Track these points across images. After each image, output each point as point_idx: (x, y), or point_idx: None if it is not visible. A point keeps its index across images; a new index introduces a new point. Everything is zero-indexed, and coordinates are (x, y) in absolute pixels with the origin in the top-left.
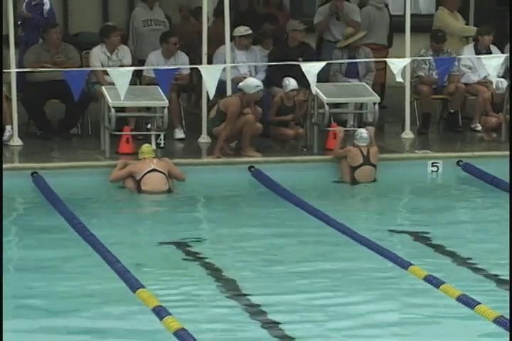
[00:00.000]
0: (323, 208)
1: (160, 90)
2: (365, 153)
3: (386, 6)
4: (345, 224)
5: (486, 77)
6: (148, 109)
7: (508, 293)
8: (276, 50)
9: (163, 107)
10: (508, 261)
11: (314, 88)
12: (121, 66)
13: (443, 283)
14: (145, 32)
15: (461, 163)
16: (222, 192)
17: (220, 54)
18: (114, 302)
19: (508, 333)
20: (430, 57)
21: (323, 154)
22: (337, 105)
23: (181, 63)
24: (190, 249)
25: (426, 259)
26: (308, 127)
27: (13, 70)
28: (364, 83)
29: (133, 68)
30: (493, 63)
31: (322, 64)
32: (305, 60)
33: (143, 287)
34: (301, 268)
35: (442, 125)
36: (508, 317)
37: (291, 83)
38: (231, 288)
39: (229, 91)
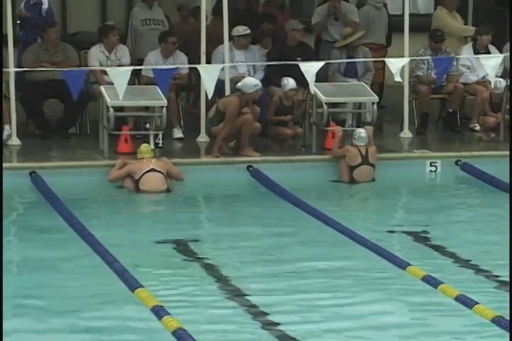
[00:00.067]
0: (322, 208)
1: (158, 90)
2: (364, 153)
3: (385, 5)
4: (344, 224)
5: (484, 76)
6: (146, 108)
7: (507, 292)
8: (275, 49)
9: (162, 107)
10: (507, 261)
11: (313, 87)
12: (119, 65)
13: (441, 283)
14: (143, 31)
15: (459, 163)
16: (221, 192)
17: (218, 53)
18: (114, 302)
19: (506, 333)
20: (429, 57)
21: (321, 154)
22: (335, 105)
23: (180, 63)
24: (188, 248)
25: (424, 259)
26: (306, 127)
27: (12, 70)
28: (363, 83)
29: (131, 68)
30: (491, 63)
31: (321, 63)
32: (304, 60)
33: (141, 286)
34: (299, 268)
35: (441, 125)
36: (507, 317)
37: (289, 83)
38: (231, 288)
39: (227, 91)
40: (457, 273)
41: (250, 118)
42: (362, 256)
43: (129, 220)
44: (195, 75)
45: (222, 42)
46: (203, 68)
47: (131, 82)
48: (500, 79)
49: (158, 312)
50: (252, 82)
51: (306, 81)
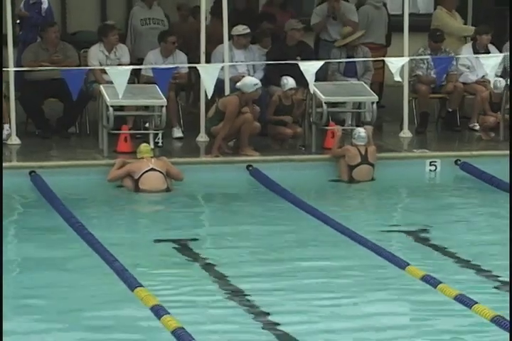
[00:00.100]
0: (322, 207)
1: (158, 89)
2: (363, 152)
3: (384, 5)
4: (343, 224)
5: (484, 76)
6: (146, 107)
7: (507, 292)
8: (275, 49)
9: (162, 106)
10: (507, 261)
11: (312, 87)
12: (119, 65)
13: (440, 282)
14: (143, 31)
15: (459, 162)
16: (221, 191)
17: (218, 53)
18: (114, 301)
19: (506, 332)
20: (428, 57)
21: (321, 153)
22: (335, 104)
23: (179, 62)
24: (188, 247)
25: (424, 259)
26: (306, 126)
27: (11, 69)
28: (362, 82)
29: (131, 67)
30: (491, 63)
31: (320, 63)
32: (303, 59)
33: (141, 286)
34: (299, 268)
35: (440, 124)
36: (506, 316)
37: (289, 82)
38: (230, 288)
39: (227, 91)
40: (457, 273)
41: (250, 118)
42: (361, 256)
43: (128, 220)
44: (194, 75)
45: (221, 41)
46: (202, 68)
47: (130, 82)
48: (500, 79)
49: (158, 311)
50: (251, 81)
51: (306, 80)
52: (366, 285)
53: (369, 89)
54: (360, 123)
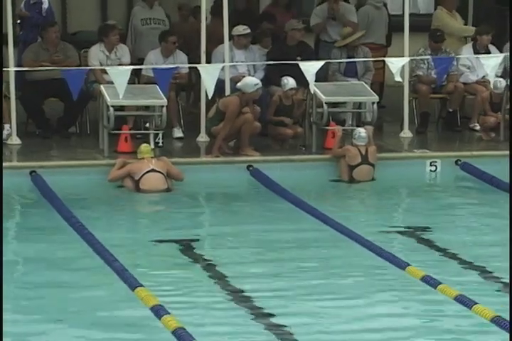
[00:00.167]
0: (322, 207)
1: (158, 89)
2: (364, 152)
3: (385, 5)
4: (344, 224)
5: (484, 76)
6: (146, 107)
7: (507, 293)
8: (275, 49)
9: (162, 106)
10: (507, 261)
11: (313, 87)
12: (119, 65)
13: (440, 283)
14: (143, 31)
15: (459, 163)
16: (221, 191)
17: (218, 53)
18: (114, 301)
19: (506, 332)
20: (429, 57)
21: (321, 153)
22: (335, 104)
23: (180, 62)
24: (188, 247)
25: (424, 259)
26: (306, 126)
27: (12, 69)
28: (363, 82)
29: (131, 67)
30: (491, 63)
31: (321, 63)
32: (304, 59)
33: (141, 286)
34: (299, 268)
35: (441, 124)
36: (506, 317)
37: (289, 82)
38: (230, 288)
39: (228, 91)
40: (457, 273)
41: (250, 118)
42: (361, 256)
43: (129, 220)
44: (195, 75)
45: (222, 41)
46: (203, 68)
47: (131, 82)
48: (501, 79)
49: (158, 311)
50: (252, 81)
51: (306, 80)
52: (366, 285)
53: (369, 89)
54: (360, 123)
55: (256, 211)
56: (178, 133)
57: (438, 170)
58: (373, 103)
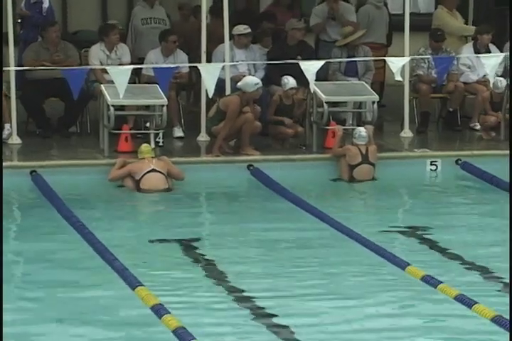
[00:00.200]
0: (322, 207)
1: (159, 88)
2: (364, 152)
3: (385, 4)
4: (344, 223)
5: (484, 76)
6: (147, 107)
7: (507, 293)
8: (276, 48)
9: (162, 105)
10: (507, 261)
11: (313, 86)
12: (120, 64)
13: (440, 283)
14: (144, 30)
15: (459, 162)
16: (222, 191)
17: (219, 52)
18: (114, 300)
19: (506, 332)
20: (429, 56)
21: (322, 153)
22: (336, 104)
23: (180, 61)
24: (188, 247)
25: (424, 259)
26: (307, 126)
27: (12, 68)
28: (363, 82)
29: (132, 66)
30: (491, 62)
31: (321, 62)
32: (304, 59)
33: (142, 285)
34: (299, 268)
35: (441, 124)
36: (506, 316)
37: (290, 81)
38: (231, 288)
39: (228, 90)
40: (457, 273)
41: (251, 118)
42: (362, 256)
43: (129, 219)
44: (195, 74)
45: (222, 41)
46: (203, 67)
47: (131, 81)
48: (501, 79)
49: (159, 310)
50: (252, 81)
51: (307, 80)
52: (366, 285)
53: (370, 88)
54: (360, 122)
55: (256, 210)
56: (178, 132)
57: (438, 169)
58: (373, 102)
